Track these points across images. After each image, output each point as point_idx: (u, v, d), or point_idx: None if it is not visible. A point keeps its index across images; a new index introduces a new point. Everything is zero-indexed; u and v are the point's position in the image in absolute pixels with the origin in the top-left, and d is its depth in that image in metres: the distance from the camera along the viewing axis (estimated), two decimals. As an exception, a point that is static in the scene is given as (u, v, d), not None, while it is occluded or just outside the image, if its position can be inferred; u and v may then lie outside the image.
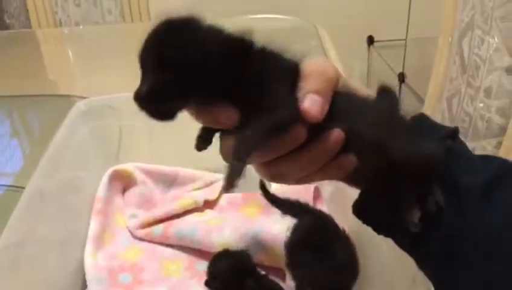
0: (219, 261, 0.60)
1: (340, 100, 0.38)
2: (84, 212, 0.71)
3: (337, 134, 0.36)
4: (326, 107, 0.37)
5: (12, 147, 1.08)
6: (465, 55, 0.92)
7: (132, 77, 1.23)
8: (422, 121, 0.40)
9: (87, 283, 0.63)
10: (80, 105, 0.75)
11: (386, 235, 0.41)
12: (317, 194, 0.74)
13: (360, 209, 0.41)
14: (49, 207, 0.64)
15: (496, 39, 0.82)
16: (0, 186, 0.90)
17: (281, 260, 0.62)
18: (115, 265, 0.67)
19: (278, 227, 0.65)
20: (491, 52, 0.84)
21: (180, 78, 0.35)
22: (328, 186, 0.76)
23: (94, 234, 0.68)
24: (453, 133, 0.39)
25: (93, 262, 0.65)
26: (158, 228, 0.70)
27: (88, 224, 0.70)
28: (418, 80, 1.79)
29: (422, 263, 0.40)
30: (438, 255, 0.37)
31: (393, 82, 1.92)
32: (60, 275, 0.62)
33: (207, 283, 0.59)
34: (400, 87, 1.88)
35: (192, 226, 0.69)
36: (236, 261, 0.59)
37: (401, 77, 1.86)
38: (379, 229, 0.41)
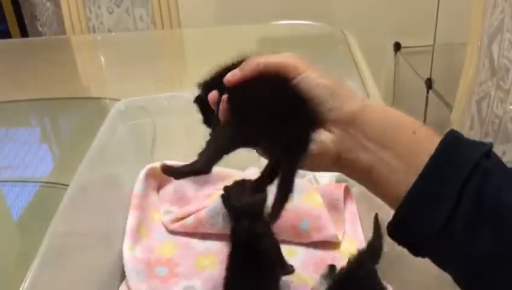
0: (238, 185, 0.62)
1: (257, 84, 0.46)
2: (122, 207, 0.73)
3: (224, 98, 0.46)
4: (236, 78, 0.46)
5: (47, 146, 1.12)
6: (495, 58, 0.92)
7: (161, 81, 1.28)
8: (454, 144, 0.39)
9: (126, 274, 0.65)
10: (119, 105, 0.79)
11: (424, 255, 0.41)
12: (347, 193, 0.76)
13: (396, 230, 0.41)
14: (91, 202, 0.67)
15: (525, 42, 0.83)
16: (36, 182, 0.94)
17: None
18: (152, 258, 0.69)
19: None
20: (521, 55, 0.84)
21: None
22: (357, 185, 0.77)
23: (131, 228, 0.71)
24: (487, 152, 0.38)
25: (131, 255, 0.68)
26: (190, 218, 0.73)
27: (126, 218, 0.72)
28: (446, 86, 1.79)
29: (461, 281, 0.39)
30: (477, 273, 0.37)
31: (420, 88, 1.92)
32: (102, 265, 0.64)
33: (223, 196, 0.63)
34: (428, 93, 1.88)
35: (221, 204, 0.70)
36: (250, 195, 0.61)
37: (429, 83, 1.86)
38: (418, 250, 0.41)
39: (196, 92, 0.56)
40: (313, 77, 0.44)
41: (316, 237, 0.70)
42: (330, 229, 0.70)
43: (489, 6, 0.94)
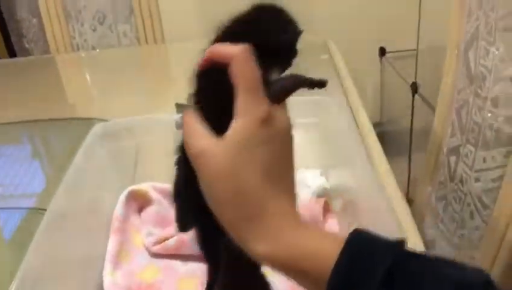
0: None
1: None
2: (103, 231, 0.73)
3: None
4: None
5: (35, 169, 1.11)
6: (472, 65, 0.93)
7: (148, 97, 1.28)
8: (357, 252, 0.33)
9: (107, 301, 0.65)
10: (97, 129, 0.79)
11: None
12: (326, 208, 0.76)
13: None
14: (70, 227, 0.67)
15: (500, 49, 0.83)
16: (23, 208, 0.94)
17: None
18: (133, 284, 0.69)
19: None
20: (496, 62, 0.85)
21: None
22: (337, 200, 0.78)
23: (112, 252, 0.71)
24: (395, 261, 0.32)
25: (111, 280, 0.67)
26: (172, 240, 0.73)
27: (107, 242, 0.72)
28: (431, 89, 1.80)
29: None
30: None
31: (406, 93, 1.93)
32: (81, 293, 0.64)
33: None
34: (413, 97, 1.89)
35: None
36: None
37: (414, 87, 1.87)
38: None
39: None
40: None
41: None
42: None
43: (465, 13, 0.95)
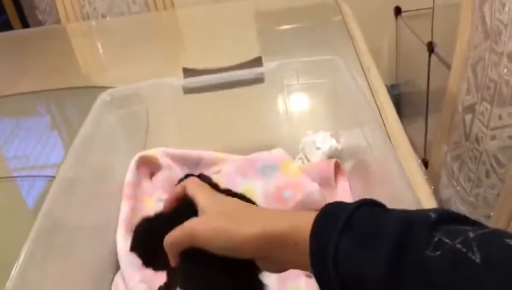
0: None
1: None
2: (114, 197, 0.74)
3: None
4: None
5: (52, 139, 1.12)
6: (487, 20, 0.90)
7: (158, 63, 1.27)
8: (326, 215, 0.38)
9: (120, 264, 0.66)
10: (105, 96, 0.78)
11: None
12: (338, 168, 0.75)
13: None
14: (80, 194, 0.67)
15: (516, 2, 0.80)
16: (44, 177, 0.94)
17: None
18: (146, 246, 0.70)
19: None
20: (512, 15, 0.82)
21: None
22: (349, 161, 0.77)
23: (125, 217, 0.71)
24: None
25: (125, 245, 0.68)
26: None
27: (119, 208, 0.73)
28: (448, 48, 1.75)
29: None
30: None
31: (422, 52, 1.88)
32: (94, 258, 0.65)
33: None
34: (430, 57, 1.84)
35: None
36: None
37: (430, 47, 1.82)
38: None
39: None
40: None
41: (300, 196, 0.70)
42: (310, 185, 0.71)
43: (479, -34, 0.91)
